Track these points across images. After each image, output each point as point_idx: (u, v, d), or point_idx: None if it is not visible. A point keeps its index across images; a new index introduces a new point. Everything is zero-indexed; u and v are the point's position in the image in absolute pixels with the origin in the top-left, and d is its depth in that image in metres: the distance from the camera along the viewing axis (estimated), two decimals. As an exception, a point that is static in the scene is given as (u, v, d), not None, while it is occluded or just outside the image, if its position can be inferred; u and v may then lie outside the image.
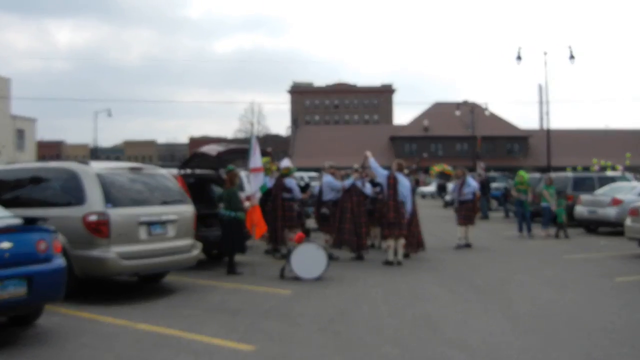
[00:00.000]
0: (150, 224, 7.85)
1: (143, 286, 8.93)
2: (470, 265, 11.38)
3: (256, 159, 10.40)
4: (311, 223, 15.97)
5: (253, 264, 10.20)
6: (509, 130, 74.88)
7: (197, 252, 8.61)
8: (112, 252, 7.36)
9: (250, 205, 10.27)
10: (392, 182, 11.21)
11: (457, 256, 12.72)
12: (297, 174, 14.96)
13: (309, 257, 9.39)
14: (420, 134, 74.80)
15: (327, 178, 12.23)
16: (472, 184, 14.37)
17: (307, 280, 9.28)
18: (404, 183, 11.38)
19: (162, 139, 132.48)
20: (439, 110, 76.52)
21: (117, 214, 7.48)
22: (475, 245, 14.35)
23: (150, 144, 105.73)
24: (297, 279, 9.33)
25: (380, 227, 11.74)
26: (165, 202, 8.23)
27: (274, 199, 12.42)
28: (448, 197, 32.37)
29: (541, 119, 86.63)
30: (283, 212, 12.35)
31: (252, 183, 10.42)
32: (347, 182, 12.04)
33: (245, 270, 10.20)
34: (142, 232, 7.75)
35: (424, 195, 47.62)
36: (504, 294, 8.37)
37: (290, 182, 12.54)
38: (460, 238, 14.23)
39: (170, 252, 8.07)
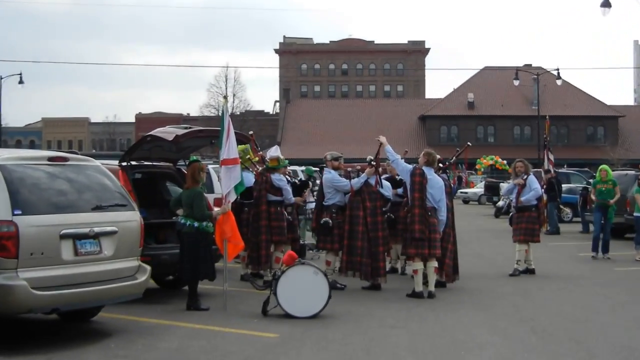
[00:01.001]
0: (77, 239, 7.88)
1: (66, 327, 8.87)
2: (533, 300, 11.37)
3: (230, 147, 10.38)
4: (308, 237, 15.92)
5: (224, 295, 10.17)
6: (590, 107, 74.96)
7: (144, 278, 8.68)
8: (21, 279, 7.31)
9: (221, 212, 10.26)
10: (419, 181, 11.16)
11: (514, 286, 12.72)
12: (290, 169, 15.00)
13: (303, 286, 9.38)
14: (462, 112, 75.00)
15: (330, 174, 12.23)
16: (536, 184, 14.33)
17: (300, 318, 9.25)
18: (436, 182, 11.32)
19: (97, 116, 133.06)
20: (490, 78, 76.65)
21: (30, 224, 7.47)
22: (540, 272, 14.33)
23: (81, 123, 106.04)
24: (286, 316, 9.30)
25: (403, 244, 11.78)
26: (99, 208, 8.30)
27: (256, 204, 12.44)
28: (501, 203, 32.36)
29: (638, 91, 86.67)
30: (268, 221, 12.38)
31: (224, 180, 10.39)
32: (358, 181, 12.02)
33: (213, 305, 10.18)
34: (66, 250, 7.76)
35: (466, 200, 47.63)
36: (581, 342, 8.35)
37: (280, 179, 12.56)
38: (519, 261, 14.24)
39: (105, 279, 8.11)
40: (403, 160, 11.89)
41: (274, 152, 12.88)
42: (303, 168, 24.62)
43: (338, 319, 9.39)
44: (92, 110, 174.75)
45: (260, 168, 13.11)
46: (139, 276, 8.58)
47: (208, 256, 10.02)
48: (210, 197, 11.39)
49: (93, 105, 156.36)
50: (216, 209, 10.73)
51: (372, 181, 11.99)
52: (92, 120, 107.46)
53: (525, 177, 14.21)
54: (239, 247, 10.59)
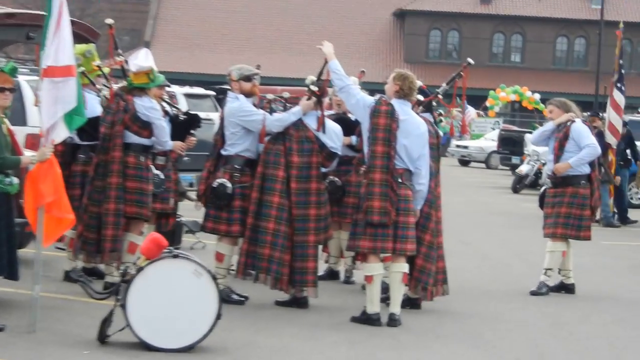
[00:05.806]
0: None
1: None
2: (566, 338, 11.53)
3: (62, 46, 10.28)
4: (188, 209, 15.83)
5: (32, 306, 10.14)
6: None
7: None
8: None
9: (36, 159, 10.21)
10: (384, 125, 11.23)
11: (538, 312, 12.89)
12: (169, 90, 15.05)
13: (173, 295, 9.38)
14: (468, 8, 74.71)
15: (237, 101, 12.28)
16: (589, 138, 14.10)
17: (165, 351, 9.28)
18: (414, 127, 11.44)
19: None
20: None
21: None
22: (583, 290, 14.43)
23: None
24: (141, 346, 9.30)
25: (352, 233, 11.80)
26: None
27: (104, 148, 12.41)
28: (525, 167, 33.26)
29: None
30: (122, 179, 12.33)
31: (47, 104, 10.30)
32: (284, 118, 12.06)
33: (13, 322, 10.15)
34: None
35: (465, 160, 48.54)
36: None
37: (151, 107, 12.49)
38: (549, 270, 14.22)
39: None
40: (359, 87, 11.93)
41: (143, 59, 12.65)
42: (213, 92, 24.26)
43: (231, 356, 9.44)
44: None
45: (116, 86, 12.95)
46: None
47: (3, 236, 9.99)
48: (19, 132, 11.32)
49: None
50: (28, 153, 10.67)
51: (311, 121, 12.03)
52: None
53: (566, 130, 14.08)
54: (64, 222, 10.45)
